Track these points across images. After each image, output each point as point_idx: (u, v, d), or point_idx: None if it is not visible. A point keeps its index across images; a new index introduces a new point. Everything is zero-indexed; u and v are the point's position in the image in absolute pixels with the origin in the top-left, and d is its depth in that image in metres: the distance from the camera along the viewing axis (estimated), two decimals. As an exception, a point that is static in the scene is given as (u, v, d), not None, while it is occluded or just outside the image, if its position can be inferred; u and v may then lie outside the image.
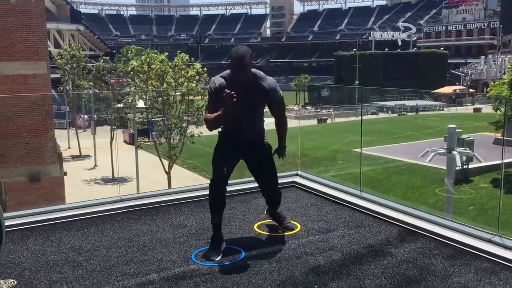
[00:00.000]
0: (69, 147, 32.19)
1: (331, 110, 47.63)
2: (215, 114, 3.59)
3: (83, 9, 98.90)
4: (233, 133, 3.84)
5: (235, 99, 3.43)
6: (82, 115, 38.37)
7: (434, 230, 3.91)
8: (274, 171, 4.01)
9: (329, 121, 45.87)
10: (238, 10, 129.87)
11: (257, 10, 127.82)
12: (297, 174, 5.48)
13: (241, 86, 3.65)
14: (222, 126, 3.87)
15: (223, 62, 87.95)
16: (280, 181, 4.25)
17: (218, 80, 3.77)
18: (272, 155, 3.99)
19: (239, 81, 3.65)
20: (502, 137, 21.77)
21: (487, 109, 35.25)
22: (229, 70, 3.74)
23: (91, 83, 32.02)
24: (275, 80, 4.02)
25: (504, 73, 52.29)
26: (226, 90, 3.48)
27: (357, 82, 60.76)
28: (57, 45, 47.52)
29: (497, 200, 17.97)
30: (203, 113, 21.79)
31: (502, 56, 70.02)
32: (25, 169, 13.58)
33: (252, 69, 3.71)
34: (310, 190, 5.13)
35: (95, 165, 28.82)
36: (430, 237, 3.87)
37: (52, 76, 16.94)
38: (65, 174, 15.11)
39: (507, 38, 77.50)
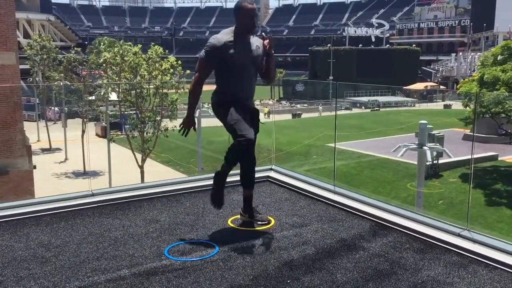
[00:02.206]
0: (38, 140, 31.50)
1: (319, 105, 48.25)
2: (190, 112, 3.64)
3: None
4: (239, 92, 3.77)
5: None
6: (52, 107, 37.60)
7: (405, 224, 3.97)
8: None
9: (317, 115, 46.25)
10: (213, 3, 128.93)
11: (232, 4, 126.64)
12: (271, 169, 5.48)
13: (248, 42, 3.68)
14: (223, 86, 3.79)
15: (198, 55, 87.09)
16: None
17: (220, 38, 3.70)
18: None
19: (253, 31, 3.69)
20: (471, 133, 22.34)
21: (457, 105, 36.04)
22: (228, 29, 3.75)
23: (62, 74, 31.36)
24: None
25: (474, 70, 53.54)
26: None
27: (331, 77, 61.29)
28: (26, 35, 46.30)
29: (465, 194, 18.40)
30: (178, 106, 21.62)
31: (472, 54, 71.70)
32: (-7, 162, 13.22)
33: None
34: (284, 184, 5.14)
35: (66, 159, 28.32)
36: (401, 231, 3.93)
37: (21, 67, 16.47)
38: (35, 167, 14.74)
39: (477, 36, 79.30)
